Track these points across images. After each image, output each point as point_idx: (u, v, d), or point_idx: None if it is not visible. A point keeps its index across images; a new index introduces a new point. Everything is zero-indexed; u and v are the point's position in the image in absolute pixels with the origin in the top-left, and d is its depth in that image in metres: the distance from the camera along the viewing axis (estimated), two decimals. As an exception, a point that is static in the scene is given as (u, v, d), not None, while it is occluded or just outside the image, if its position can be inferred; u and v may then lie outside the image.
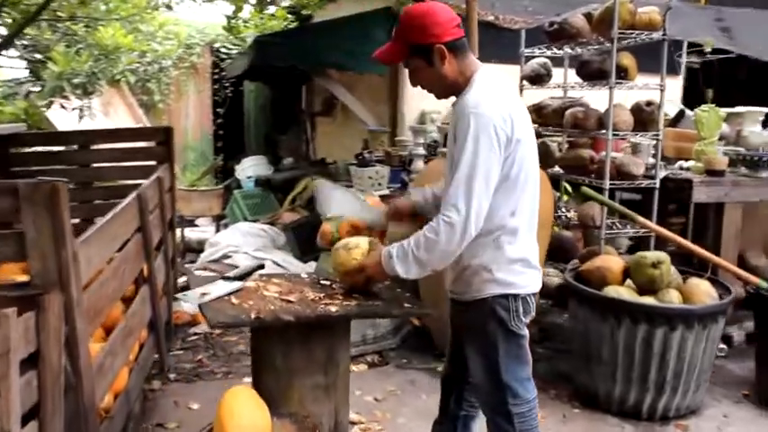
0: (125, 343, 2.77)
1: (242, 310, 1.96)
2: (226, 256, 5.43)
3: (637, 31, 3.78)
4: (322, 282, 2.33)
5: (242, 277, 2.27)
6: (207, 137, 10.33)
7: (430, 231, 1.99)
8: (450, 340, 2.44)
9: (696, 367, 3.21)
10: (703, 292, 3.35)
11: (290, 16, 7.38)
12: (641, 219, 3.56)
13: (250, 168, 7.49)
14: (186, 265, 5.82)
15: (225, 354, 4.15)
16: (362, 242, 2.23)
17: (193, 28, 9.86)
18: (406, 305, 2.14)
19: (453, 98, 2.17)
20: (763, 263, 4.47)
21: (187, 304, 4.90)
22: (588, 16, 3.99)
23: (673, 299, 3.31)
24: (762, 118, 5.55)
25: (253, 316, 1.90)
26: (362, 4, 6.80)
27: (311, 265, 5.36)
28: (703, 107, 4.39)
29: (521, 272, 2.12)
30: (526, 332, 2.18)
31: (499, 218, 2.04)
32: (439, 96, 2.27)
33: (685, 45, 5.32)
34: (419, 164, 4.99)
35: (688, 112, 5.61)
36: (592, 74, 4.02)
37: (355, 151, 7.62)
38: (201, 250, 5.83)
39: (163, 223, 3.96)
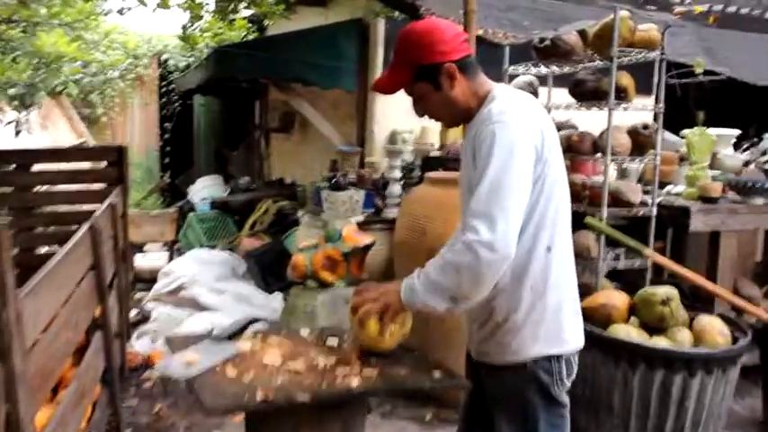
0: (76, 410, 2.33)
1: (243, 386, 1.58)
2: (182, 288, 4.95)
3: (636, 50, 3.56)
4: (329, 341, 1.95)
5: (232, 336, 1.88)
6: (153, 153, 9.77)
7: (446, 251, 1.65)
8: (466, 402, 2.11)
9: (714, 414, 2.97)
10: (716, 330, 3.11)
11: (250, 26, 6.97)
12: (649, 251, 3.32)
13: (204, 189, 7.00)
14: (137, 295, 5.32)
15: (186, 402, 3.70)
16: None
17: (140, 38, 9.32)
18: (435, 374, 1.78)
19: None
20: (755, 293, 4.31)
21: (140, 342, 4.43)
22: (582, 33, 3.76)
23: (685, 339, 3.07)
24: (734, 141, 5.49)
25: (259, 397, 1.51)
26: (326, 16, 6.47)
27: (276, 297, 4.96)
28: (694, 130, 4.22)
29: (567, 325, 1.81)
30: (567, 399, 1.87)
31: (535, 257, 1.73)
32: (449, 124, 1.98)
33: (657, 65, 5.19)
34: (395, 188, 4.66)
35: (666, 134, 5.48)
36: (586, 93, 3.78)
37: (315, 171, 7.22)
38: (153, 280, 5.33)
39: (116, 256, 3.51)
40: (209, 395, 1.51)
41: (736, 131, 5.33)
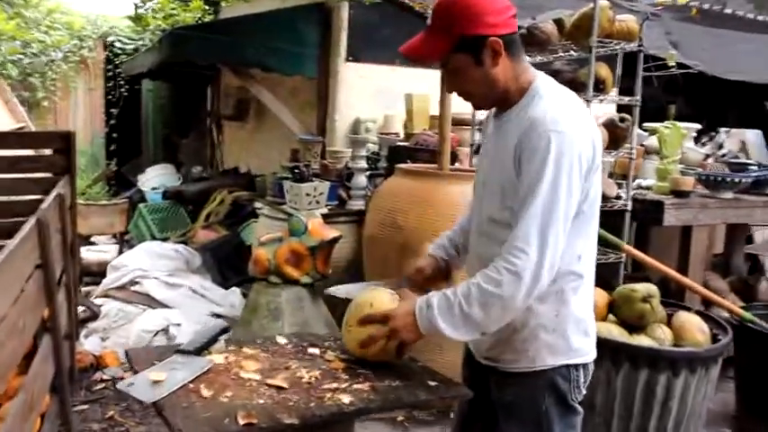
0: (25, 425, 2.09)
1: (221, 408, 1.39)
2: (133, 282, 4.67)
3: (614, 41, 3.47)
4: (310, 350, 1.78)
5: (202, 348, 1.68)
6: (98, 139, 9.29)
7: (487, 281, 1.49)
8: (463, 409, 1.96)
9: (696, 413, 2.91)
10: (695, 327, 3.06)
11: (207, 8, 6.64)
12: (627, 247, 3.24)
13: (155, 178, 6.67)
14: (84, 289, 5.01)
15: (140, 407, 3.44)
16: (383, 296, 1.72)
17: (84, 19, 8.83)
18: (430, 383, 1.63)
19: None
20: (722, 285, 4.32)
21: (89, 341, 4.14)
22: (558, 22, 3.64)
23: (665, 337, 3.00)
24: (695, 134, 5.50)
25: (241, 421, 1.33)
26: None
27: (234, 292, 4.74)
28: (666, 124, 4.17)
29: (587, 333, 1.70)
30: (581, 408, 1.75)
31: (565, 263, 1.58)
32: (480, 106, 1.80)
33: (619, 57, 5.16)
34: (360, 179, 4.47)
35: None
36: (562, 84, 3.66)
37: (271, 160, 6.97)
38: (102, 273, 5.03)
39: (65, 251, 3.24)
40: (181, 421, 1.31)
41: (698, 126, 5.34)
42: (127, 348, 1.77)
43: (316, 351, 1.77)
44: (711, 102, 7.73)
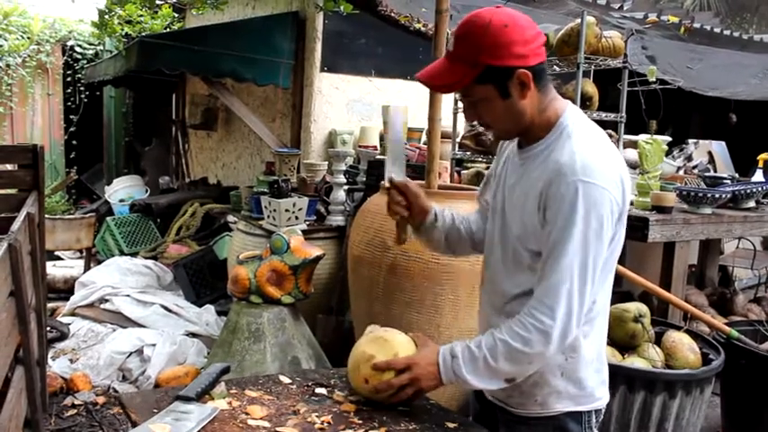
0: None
1: (237, 467, 1.28)
2: (103, 300, 4.49)
3: (601, 57, 3.46)
4: (317, 391, 1.68)
5: (204, 393, 1.56)
6: (57, 147, 8.99)
7: (515, 339, 1.44)
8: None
9: (689, 434, 2.90)
10: (686, 347, 3.04)
11: (176, 15, 6.46)
12: (621, 268, 3.21)
13: (122, 190, 6.45)
14: (49, 305, 4.80)
15: (115, 433, 3.30)
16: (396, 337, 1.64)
17: (42, 22, 8.52)
18: (449, 425, 1.55)
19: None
20: (702, 300, 4.35)
21: (57, 363, 3.94)
22: (543, 37, 3.62)
23: (657, 357, 2.98)
24: (665, 147, 5.56)
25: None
26: (253, 6, 6.08)
27: (209, 309, 4.59)
28: (646, 138, 4.17)
29: (598, 377, 1.63)
30: None
31: None
32: (503, 137, 1.68)
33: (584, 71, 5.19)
34: (339, 194, 4.37)
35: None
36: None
37: (239, 170, 6.83)
38: (68, 290, 4.83)
39: (35, 273, 3.07)
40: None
41: (668, 138, 5.40)
42: (120, 393, 1.64)
43: (323, 391, 1.68)
44: (675, 112, 7.88)
